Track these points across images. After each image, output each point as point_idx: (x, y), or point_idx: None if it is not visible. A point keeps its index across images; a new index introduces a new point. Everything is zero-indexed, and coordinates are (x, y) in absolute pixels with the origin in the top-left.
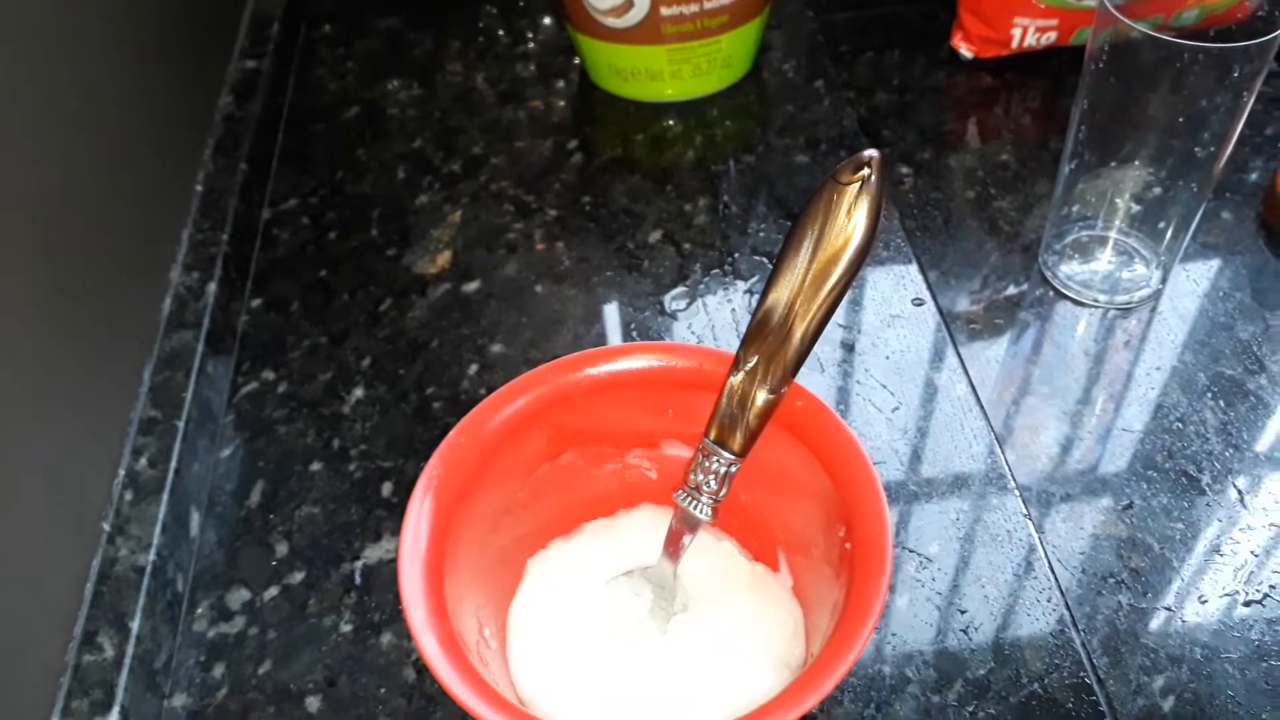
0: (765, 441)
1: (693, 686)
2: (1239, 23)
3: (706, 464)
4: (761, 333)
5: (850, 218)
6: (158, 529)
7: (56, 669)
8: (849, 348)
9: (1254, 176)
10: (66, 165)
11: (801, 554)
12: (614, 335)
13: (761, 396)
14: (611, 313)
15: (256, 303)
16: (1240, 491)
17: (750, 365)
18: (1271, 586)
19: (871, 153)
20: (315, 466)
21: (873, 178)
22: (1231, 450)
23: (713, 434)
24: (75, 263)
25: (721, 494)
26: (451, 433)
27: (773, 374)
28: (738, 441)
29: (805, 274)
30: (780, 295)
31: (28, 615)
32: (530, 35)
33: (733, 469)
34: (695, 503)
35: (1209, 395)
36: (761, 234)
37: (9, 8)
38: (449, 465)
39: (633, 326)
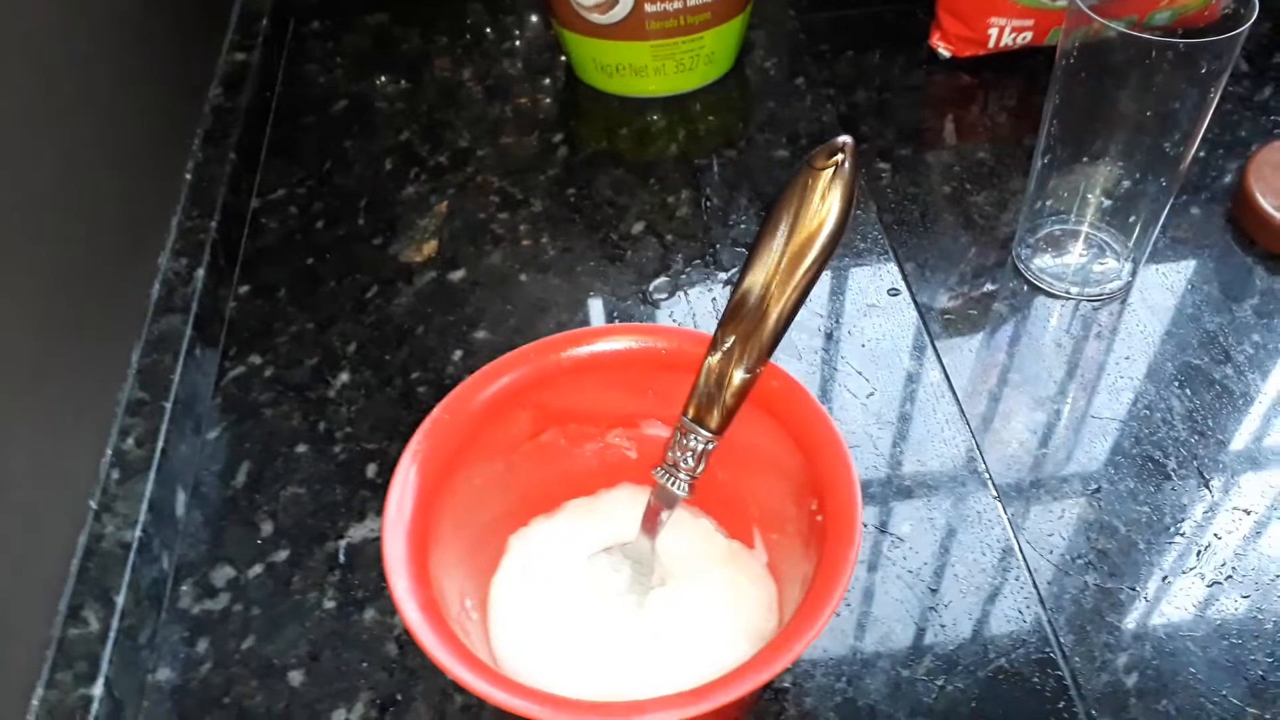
0: (742, 421)
1: (669, 657)
2: (1209, 23)
3: (684, 442)
4: (738, 314)
5: (824, 202)
6: (144, 507)
7: (42, 641)
8: (826, 335)
9: (1228, 179)
10: (58, 153)
11: (776, 530)
12: (597, 323)
13: (738, 376)
14: (595, 301)
15: (244, 289)
16: (1204, 476)
17: (727, 345)
18: (1233, 568)
19: (845, 139)
20: (301, 448)
21: (846, 163)
22: (1197, 437)
23: (690, 412)
24: (67, 248)
25: (699, 471)
26: (436, 408)
27: (749, 354)
28: (715, 420)
29: (781, 257)
30: (757, 278)
31: (14, 589)
32: (517, 32)
33: (710, 446)
34: (673, 479)
35: (1176, 384)
36: (743, 226)
37: None
38: (433, 440)
39: (616, 314)
